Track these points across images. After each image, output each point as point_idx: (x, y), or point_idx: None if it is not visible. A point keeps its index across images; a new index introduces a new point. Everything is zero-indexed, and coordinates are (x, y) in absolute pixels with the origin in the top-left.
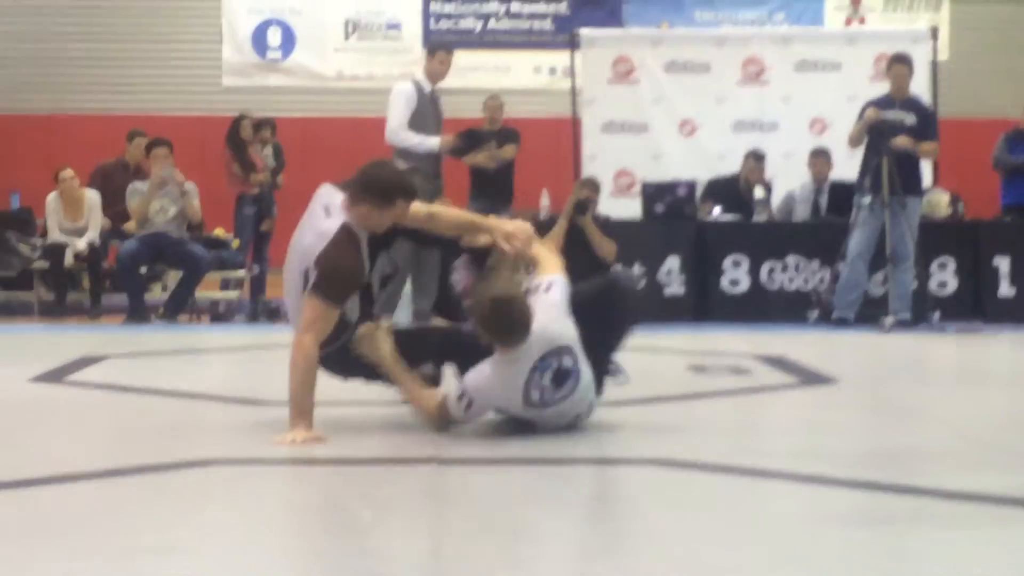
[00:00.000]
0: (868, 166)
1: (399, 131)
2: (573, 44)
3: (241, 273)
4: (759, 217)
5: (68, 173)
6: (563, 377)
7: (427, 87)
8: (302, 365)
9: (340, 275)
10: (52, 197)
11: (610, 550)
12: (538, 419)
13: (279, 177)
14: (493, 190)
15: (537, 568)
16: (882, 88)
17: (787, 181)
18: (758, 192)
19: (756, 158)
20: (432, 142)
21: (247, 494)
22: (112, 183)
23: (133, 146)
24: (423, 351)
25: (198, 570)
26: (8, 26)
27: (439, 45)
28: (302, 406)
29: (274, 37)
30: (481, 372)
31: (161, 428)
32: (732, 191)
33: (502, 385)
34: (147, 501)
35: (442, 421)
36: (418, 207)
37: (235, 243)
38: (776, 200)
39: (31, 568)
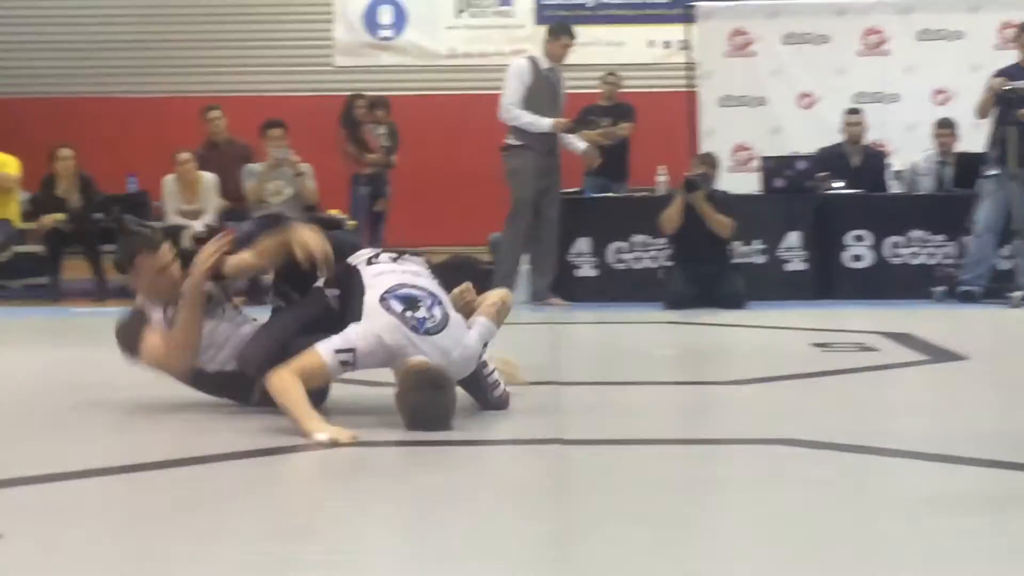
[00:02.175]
0: (995, 137)
1: (511, 108)
2: (689, 17)
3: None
4: (897, 188)
5: (185, 156)
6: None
7: (544, 65)
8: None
9: None
10: (169, 180)
11: (738, 531)
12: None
13: (393, 157)
14: (608, 167)
15: (666, 550)
16: (1007, 57)
17: (910, 153)
18: (895, 165)
19: (851, 112)
20: (544, 123)
21: (372, 476)
22: (209, 165)
23: (208, 120)
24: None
25: (335, 553)
26: (124, 10)
27: (563, 29)
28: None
29: (385, 15)
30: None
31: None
32: (839, 156)
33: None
34: (275, 483)
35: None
36: (235, 259)
37: (350, 224)
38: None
39: (167, 551)
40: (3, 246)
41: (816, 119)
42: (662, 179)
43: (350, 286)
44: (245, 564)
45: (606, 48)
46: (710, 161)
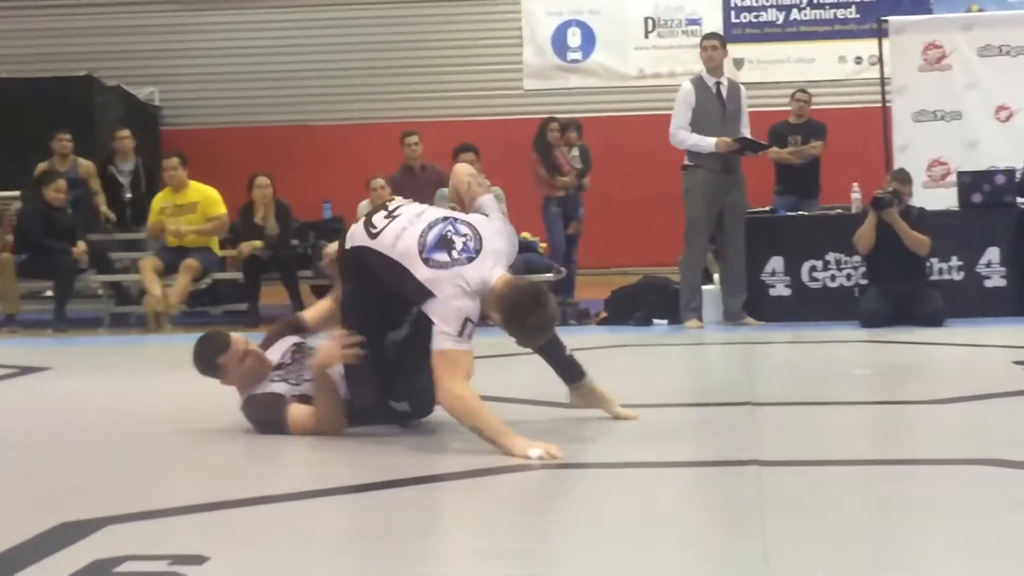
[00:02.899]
0: None
1: (677, 133)
2: (881, 32)
3: (549, 276)
4: None
5: (379, 182)
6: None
7: (710, 81)
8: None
9: None
10: (363, 205)
11: (948, 553)
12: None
13: (585, 179)
14: (799, 185)
15: (875, 572)
16: None
17: None
18: None
19: None
20: (708, 143)
21: (572, 496)
22: (404, 191)
23: (406, 145)
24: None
25: (538, 573)
26: (319, 40)
27: (705, 35)
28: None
29: (574, 38)
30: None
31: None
32: None
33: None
34: (473, 504)
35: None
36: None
37: (542, 246)
38: None
39: (373, 570)
40: (204, 273)
41: (1014, 132)
42: (856, 196)
43: (368, 266)
44: None
45: (796, 65)
46: (902, 177)
